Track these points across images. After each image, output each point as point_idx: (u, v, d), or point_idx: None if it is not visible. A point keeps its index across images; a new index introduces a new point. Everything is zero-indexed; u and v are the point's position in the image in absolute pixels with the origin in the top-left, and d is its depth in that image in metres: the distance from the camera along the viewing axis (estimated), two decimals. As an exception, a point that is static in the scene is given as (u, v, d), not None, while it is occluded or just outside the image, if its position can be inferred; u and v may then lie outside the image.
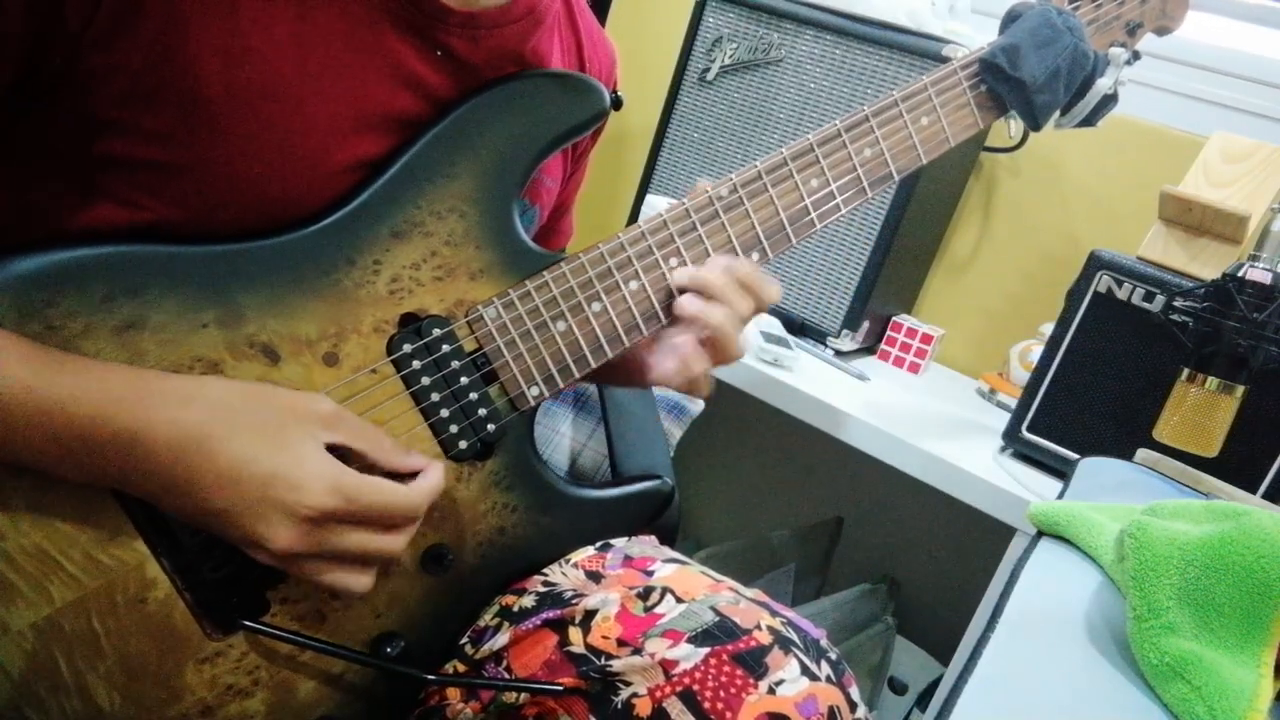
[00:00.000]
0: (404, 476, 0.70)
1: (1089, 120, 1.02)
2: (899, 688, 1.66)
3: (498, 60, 0.78)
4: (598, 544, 0.85)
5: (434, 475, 0.71)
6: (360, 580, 0.68)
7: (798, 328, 1.53)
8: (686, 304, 0.81)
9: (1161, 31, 1.10)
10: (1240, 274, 0.98)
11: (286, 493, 0.63)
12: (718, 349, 0.82)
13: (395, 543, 0.69)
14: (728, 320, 0.80)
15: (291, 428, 0.65)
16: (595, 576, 0.80)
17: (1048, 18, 0.94)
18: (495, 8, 0.76)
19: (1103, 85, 0.99)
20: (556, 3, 0.85)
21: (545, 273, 0.79)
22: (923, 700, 1.63)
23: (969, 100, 0.93)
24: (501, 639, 0.78)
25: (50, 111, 0.65)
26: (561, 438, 1.10)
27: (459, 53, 0.75)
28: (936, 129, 0.91)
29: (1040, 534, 0.83)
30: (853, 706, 0.71)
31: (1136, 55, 1.04)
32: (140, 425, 0.61)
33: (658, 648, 0.71)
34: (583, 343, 0.80)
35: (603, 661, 0.72)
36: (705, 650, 0.70)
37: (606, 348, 0.81)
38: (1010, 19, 0.97)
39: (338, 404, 0.69)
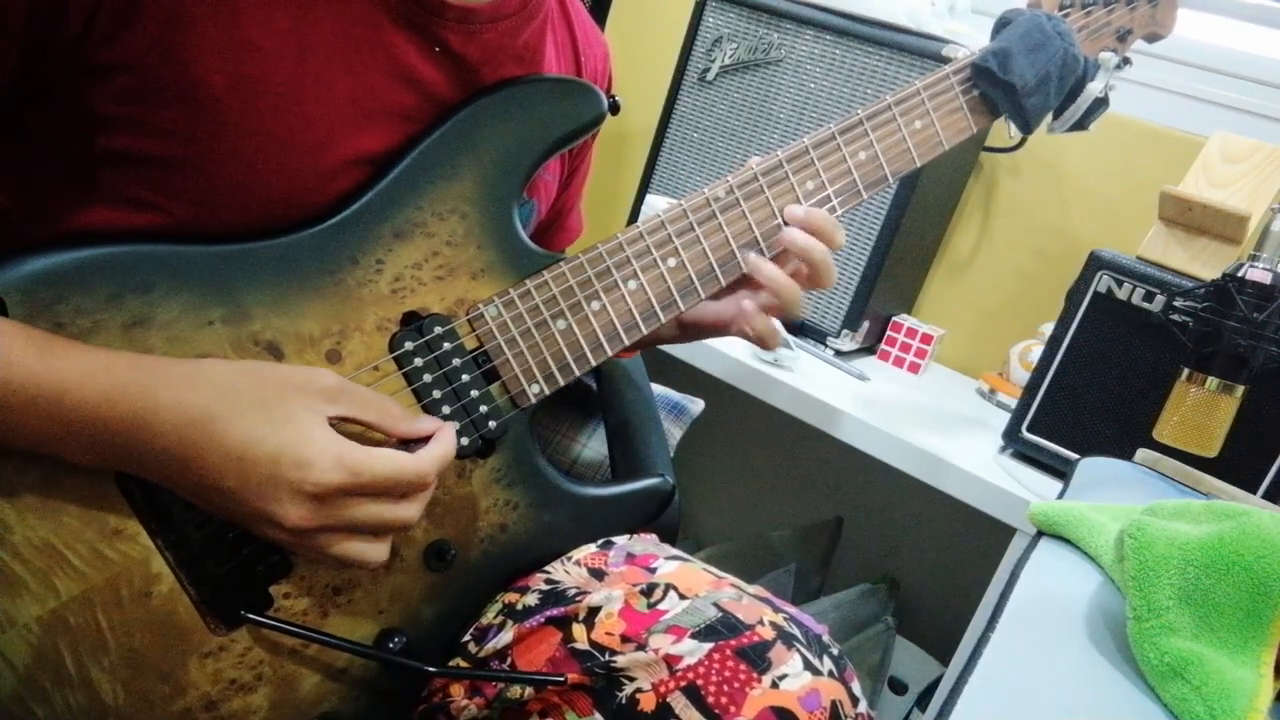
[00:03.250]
0: (417, 444, 0.71)
1: (1081, 124, 1.03)
2: (899, 688, 1.66)
3: (493, 55, 0.79)
4: (600, 541, 0.85)
5: (445, 440, 0.71)
6: (374, 550, 0.68)
7: (798, 328, 1.53)
8: (796, 237, 0.85)
9: (1152, 38, 1.10)
10: (1240, 274, 0.98)
11: (293, 470, 0.63)
12: (817, 276, 0.88)
13: (408, 511, 0.69)
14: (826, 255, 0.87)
15: (295, 403, 0.65)
16: (598, 573, 0.80)
17: (1038, 23, 0.95)
18: (489, 3, 0.77)
19: (1094, 89, 1.00)
20: None
21: (545, 272, 0.80)
22: (923, 700, 1.63)
23: (962, 104, 0.94)
24: (505, 637, 0.78)
25: (54, 108, 0.65)
26: (562, 437, 1.11)
27: (456, 48, 0.76)
28: (930, 132, 0.92)
29: (1040, 534, 0.83)
30: (854, 701, 0.71)
31: (1127, 60, 1.04)
32: (146, 408, 0.61)
33: (661, 643, 0.71)
34: (582, 341, 0.81)
35: (607, 657, 0.73)
36: (709, 645, 0.70)
37: (606, 346, 0.82)
38: (1001, 25, 0.98)
39: (340, 377, 0.69)
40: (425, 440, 0.71)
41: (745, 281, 0.88)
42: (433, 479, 0.70)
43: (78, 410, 0.60)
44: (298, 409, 0.65)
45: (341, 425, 0.67)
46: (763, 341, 0.89)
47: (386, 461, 0.67)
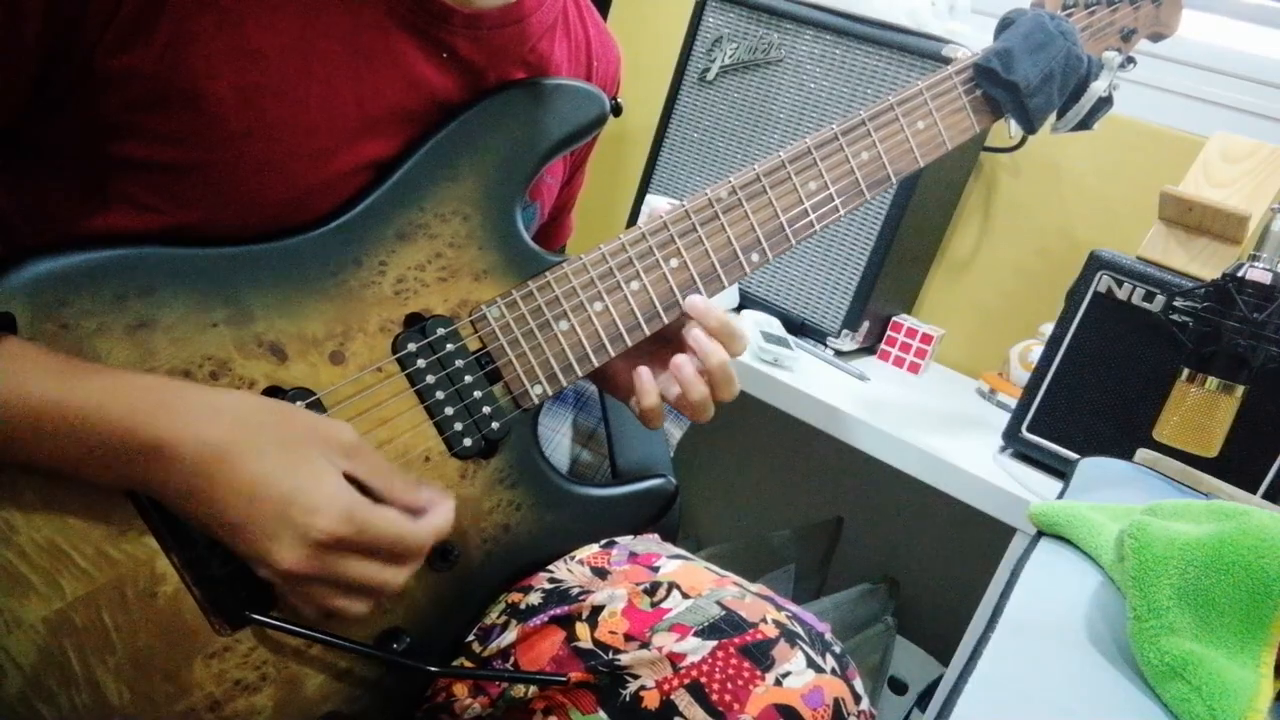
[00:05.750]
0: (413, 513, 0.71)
1: (1085, 123, 1.03)
2: (899, 688, 1.67)
3: (501, 61, 0.79)
4: (602, 540, 0.85)
5: (443, 513, 0.71)
6: (356, 607, 0.68)
7: (798, 328, 1.53)
8: (699, 339, 0.82)
9: (1156, 38, 1.11)
10: (1240, 274, 0.98)
11: (302, 515, 0.63)
12: (715, 386, 0.83)
13: (397, 576, 0.69)
14: (724, 363, 0.83)
15: (313, 451, 0.65)
16: (601, 573, 0.81)
17: (1040, 22, 0.95)
18: (497, 8, 0.77)
19: (1097, 88, 1.00)
20: (561, 1, 0.86)
21: (547, 273, 0.80)
22: (923, 700, 1.63)
23: (964, 104, 0.94)
24: (509, 636, 0.79)
25: (64, 115, 0.65)
26: (562, 437, 1.11)
27: (463, 54, 0.76)
28: (933, 133, 0.92)
29: (1040, 534, 0.84)
30: (857, 698, 0.71)
31: (1131, 60, 1.04)
32: (166, 436, 0.62)
33: (665, 641, 0.71)
34: (585, 342, 0.81)
35: (610, 656, 0.73)
36: (712, 643, 0.70)
37: (609, 346, 0.82)
38: (1004, 25, 0.98)
39: (358, 436, 0.69)
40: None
41: (655, 353, 0.86)
42: (427, 550, 0.71)
43: (98, 435, 0.61)
44: (316, 456, 0.65)
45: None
46: (647, 420, 0.85)
47: (391, 523, 0.67)
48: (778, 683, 0.69)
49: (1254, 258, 0.99)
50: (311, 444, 0.66)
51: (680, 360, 0.83)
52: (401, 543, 0.68)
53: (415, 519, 0.69)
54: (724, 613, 0.73)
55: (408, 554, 0.69)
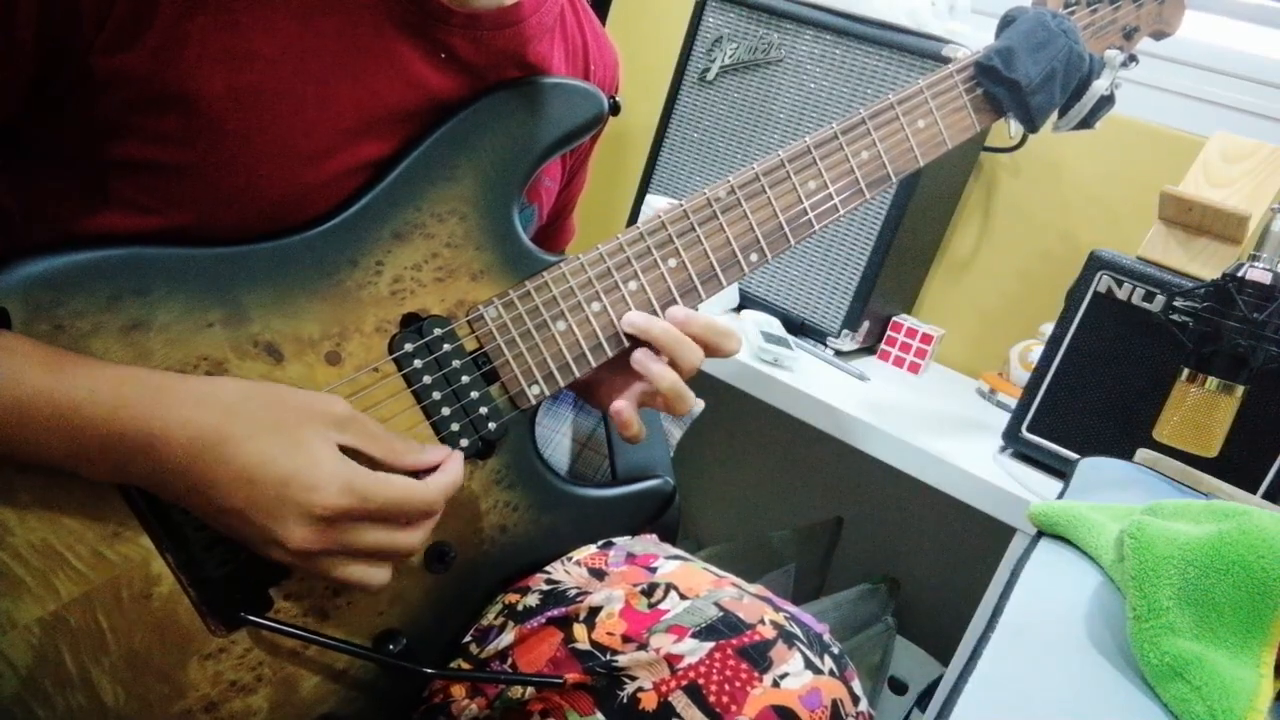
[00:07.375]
0: (421, 474, 0.71)
1: (1086, 122, 1.03)
2: (899, 688, 1.66)
3: (500, 62, 0.79)
4: (600, 541, 0.85)
5: (452, 469, 0.72)
6: (376, 574, 0.69)
7: (798, 328, 1.53)
8: (639, 357, 0.81)
9: (1158, 36, 1.10)
10: (1240, 274, 0.98)
11: (302, 493, 0.63)
12: (667, 405, 0.81)
13: (413, 538, 0.69)
14: (674, 384, 0.80)
15: (306, 429, 0.65)
16: (598, 574, 0.80)
17: (1042, 21, 0.95)
18: (496, 9, 0.77)
19: (1099, 87, 0.99)
20: (560, 5, 0.85)
21: (545, 273, 0.80)
22: (923, 700, 1.63)
23: (965, 103, 0.93)
24: (506, 638, 0.78)
25: (64, 115, 0.65)
26: (562, 437, 1.11)
27: (462, 54, 0.76)
28: (933, 131, 0.92)
29: (1040, 534, 0.83)
30: (855, 700, 0.71)
31: (1133, 58, 1.04)
32: (156, 426, 0.62)
33: (663, 643, 0.71)
34: (582, 342, 0.81)
35: (608, 657, 0.73)
36: (710, 645, 0.70)
37: (606, 347, 0.82)
38: (1005, 23, 0.98)
39: (351, 407, 0.69)
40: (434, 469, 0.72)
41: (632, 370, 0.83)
42: (439, 507, 0.70)
43: (89, 426, 0.61)
44: (309, 434, 0.65)
45: (349, 454, 0.67)
46: (624, 429, 0.83)
47: (394, 488, 0.67)
48: (775, 684, 0.69)
49: (1254, 258, 0.99)
50: (304, 422, 0.66)
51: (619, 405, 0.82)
52: (409, 503, 0.68)
53: (422, 479, 0.70)
54: (722, 614, 0.73)
55: (419, 514, 0.69)
